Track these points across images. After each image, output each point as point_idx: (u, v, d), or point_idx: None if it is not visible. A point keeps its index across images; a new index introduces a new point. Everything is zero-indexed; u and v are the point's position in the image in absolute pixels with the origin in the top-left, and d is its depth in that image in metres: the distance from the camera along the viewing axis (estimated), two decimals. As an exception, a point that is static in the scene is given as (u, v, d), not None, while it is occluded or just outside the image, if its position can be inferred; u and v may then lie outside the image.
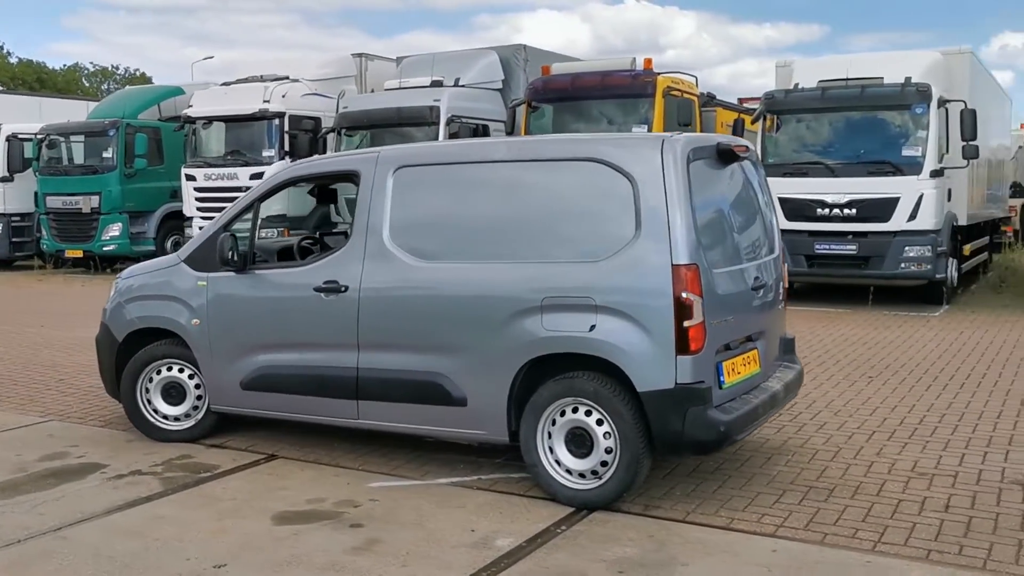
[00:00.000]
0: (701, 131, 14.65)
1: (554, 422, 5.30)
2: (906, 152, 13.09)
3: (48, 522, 5.13)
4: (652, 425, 5.02)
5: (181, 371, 6.67)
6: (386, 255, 5.74)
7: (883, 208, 13.08)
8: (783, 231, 12.55)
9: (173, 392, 6.70)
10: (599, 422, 5.17)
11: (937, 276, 13.19)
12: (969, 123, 12.98)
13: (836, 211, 13.32)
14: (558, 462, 5.31)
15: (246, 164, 18.81)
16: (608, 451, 5.15)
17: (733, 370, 5.31)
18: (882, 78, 13.53)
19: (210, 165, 19.29)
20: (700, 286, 4.99)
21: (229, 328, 6.31)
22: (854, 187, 13.19)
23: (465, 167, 5.73)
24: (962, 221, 14.55)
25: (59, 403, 7.96)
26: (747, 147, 5.85)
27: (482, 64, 18.12)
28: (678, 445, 5.09)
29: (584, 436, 5.22)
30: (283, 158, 18.45)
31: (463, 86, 17.52)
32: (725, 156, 5.57)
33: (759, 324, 5.74)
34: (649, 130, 14.55)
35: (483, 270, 5.46)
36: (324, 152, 18.19)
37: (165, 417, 6.73)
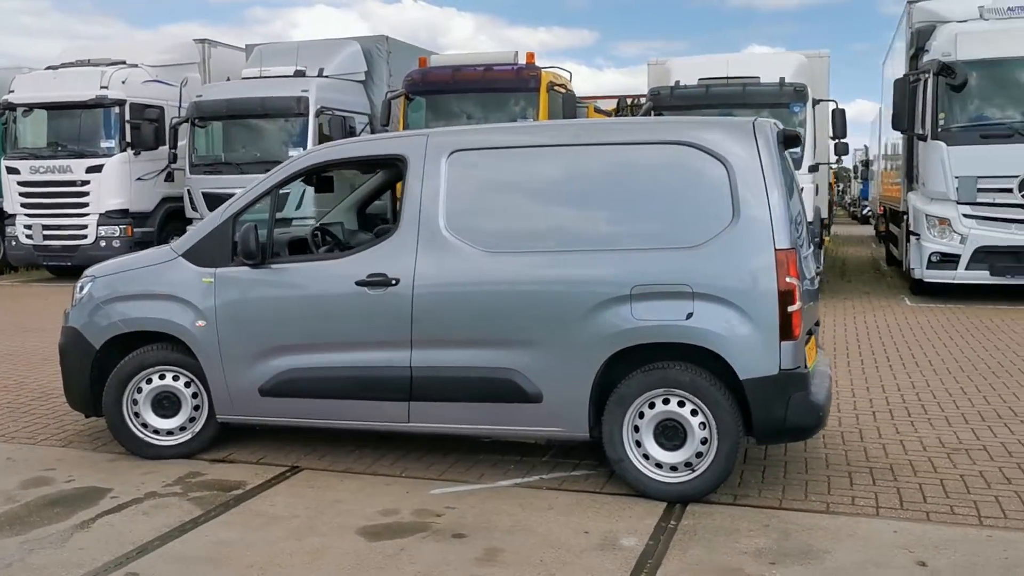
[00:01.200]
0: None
1: (642, 415, 5.12)
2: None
3: (98, 557, 4.44)
4: (754, 413, 4.94)
5: (176, 379, 5.96)
6: (444, 246, 5.35)
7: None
8: None
9: (165, 403, 5.98)
10: (693, 412, 5.03)
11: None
12: (840, 122, 13.78)
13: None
14: (646, 456, 5.13)
15: (80, 156, 17.33)
16: (703, 442, 5.03)
17: (809, 355, 5.31)
18: (758, 77, 14.10)
19: (36, 157, 17.58)
20: (799, 271, 4.96)
21: (245, 329, 5.68)
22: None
23: (531, 151, 5.42)
24: (824, 214, 15.42)
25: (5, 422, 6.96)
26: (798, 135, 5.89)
27: (344, 54, 17.53)
28: (780, 432, 5.04)
29: (677, 428, 5.08)
30: (124, 150, 17.11)
31: (327, 76, 16.85)
32: (790, 142, 5.57)
33: (817, 311, 5.79)
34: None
35: (561, 260, 5.19)
36: (173, 144, 17.01)
37: (156, 432, 5.99)
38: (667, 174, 5.15)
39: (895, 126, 14.02)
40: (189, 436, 5.99)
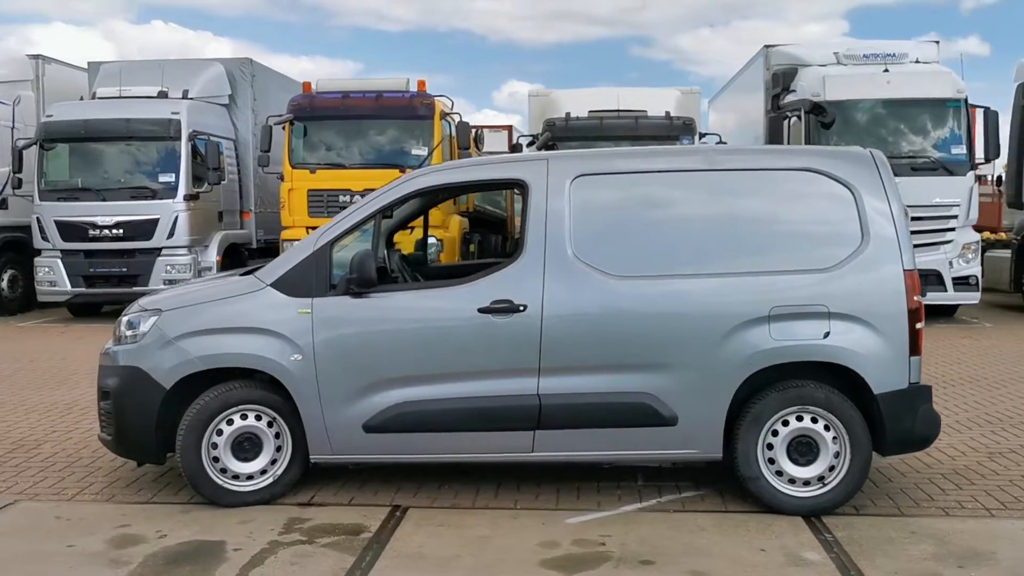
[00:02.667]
0: (475, 155, 14.85)
1: (775, 432, 5.28)
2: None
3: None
4: (887, 426, 5.22)
5: (258, 419, 5.52)
6: (572, 271, 5.30)
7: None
8: None
9: (246, 445, 5.52)
10: (826, 428, 5.26)
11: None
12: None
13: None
14: (779, 472, 5.29)
15: None
16: (836, 456, 5.25)
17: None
18: (646, 111, 14.77)
19: None
20: (920, 290, 5.31)
21: (349, 362, 5.36)
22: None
23: (659, 176, 5.49)
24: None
25: (10, 476, 6.14)
26: None
27: (208, 76, 16.72)
28: (908, 443, 5.36)
29: (810, 444, 5.27)
30: (-48, 173, 15.44)
31: (191, 99, 16.00)
32: None
33: None
34: (429, 153, 14.44)
35: (697, 284, 5.28)
36: (19, 167, 15.52)
37: (235, 476, 5.51)
38: (797, 199, 5.37)
39: (771, 159, 15.03)
40: (271, 480, 5.55)
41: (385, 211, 5.58)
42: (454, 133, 14.89)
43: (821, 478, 5.28)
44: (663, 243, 5.38)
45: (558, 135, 14.42)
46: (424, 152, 14.54)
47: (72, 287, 14.91)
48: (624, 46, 68.00)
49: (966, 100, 14.21)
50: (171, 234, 14.85)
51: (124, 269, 14.90)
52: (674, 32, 64.86)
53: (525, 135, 15.51)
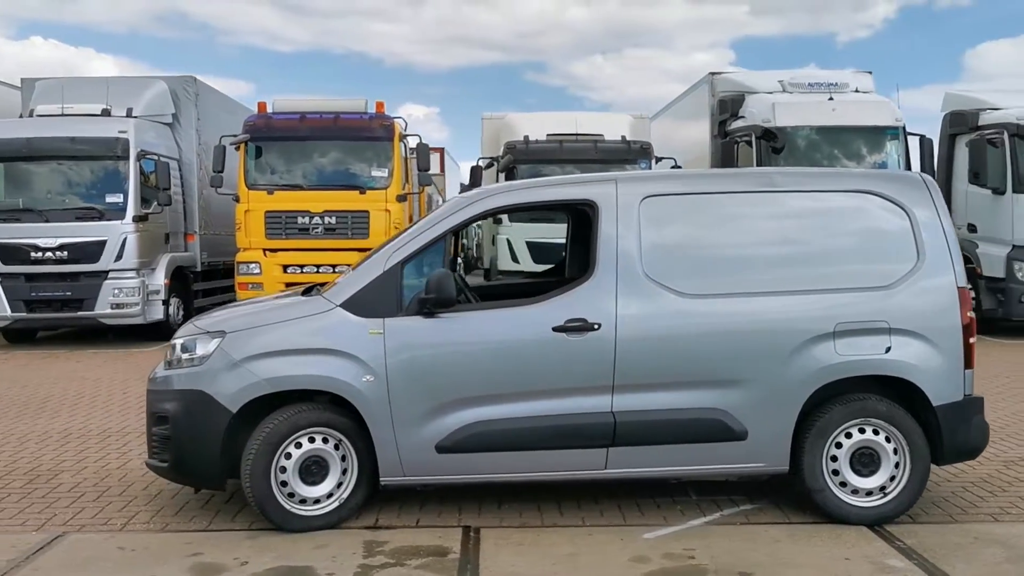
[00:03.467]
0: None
1: (839, 445, 5.47)
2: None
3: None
4: (945, 436, 5.46)
5: (325, 441, 5.43)
6: (644, 290, 5.40)
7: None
8: (527, 274, 13.47)
9: (313, 468, 5.42)
10: (887, 439, 5.47)
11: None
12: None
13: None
14: (843, 484, 5.47)
15: None
16: (896, 466, 5.47)
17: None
18: (603, 135, 15.07)
19: None
20: (971, 306, 5.59)
21: (423, 382, 5.33)
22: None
23: (722, 197, 5.64)
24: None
25: (42, 509, 5.85)
26: None
27: (152, 94, 16.30)
28: (962, 452, 5.61)
29: (872, 455, 5.47)
30: None
31: (135, 117, 15.58)
32: None
33: None
34: (390, 175, 14.44)
35: (765, 302, 5.44)
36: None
37: (302, 501, 5.41)
38: (856, 220, 5.59)
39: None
40: (337, 504, 5.46)
41: (455, 231, 5.57)
42: (408, 154, 14.90)
43: (882, 488, 5.48)
44: (730, 262, 5.52)
45: (520, 157, 14.60)
46: (384, 173, 14.51)
47: (12, 312, 14.25)
48: (519, 71, 69.00)
49: (904, 128, 14.93)
50: (119, 256, 14.35)
51: (68, 293, 14.31)
52: (568, 59, 66.09)
53: (485, 157, 15.60)
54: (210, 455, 5.36)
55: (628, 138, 15.12)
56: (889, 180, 5.74)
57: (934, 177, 14.71)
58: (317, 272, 14.30)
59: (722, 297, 5.44)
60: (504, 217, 14.67)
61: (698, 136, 17.34)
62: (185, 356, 5.51)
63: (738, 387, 5.38)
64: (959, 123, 16.31)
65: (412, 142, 15.10)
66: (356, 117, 14.65)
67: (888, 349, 5.42)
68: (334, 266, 14.32)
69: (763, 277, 5.49)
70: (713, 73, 16.95)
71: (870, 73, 16.56)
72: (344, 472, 5.48)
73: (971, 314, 5.50)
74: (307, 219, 14.42)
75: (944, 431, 5.46)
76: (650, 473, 5.57)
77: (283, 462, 5.34)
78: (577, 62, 64.75)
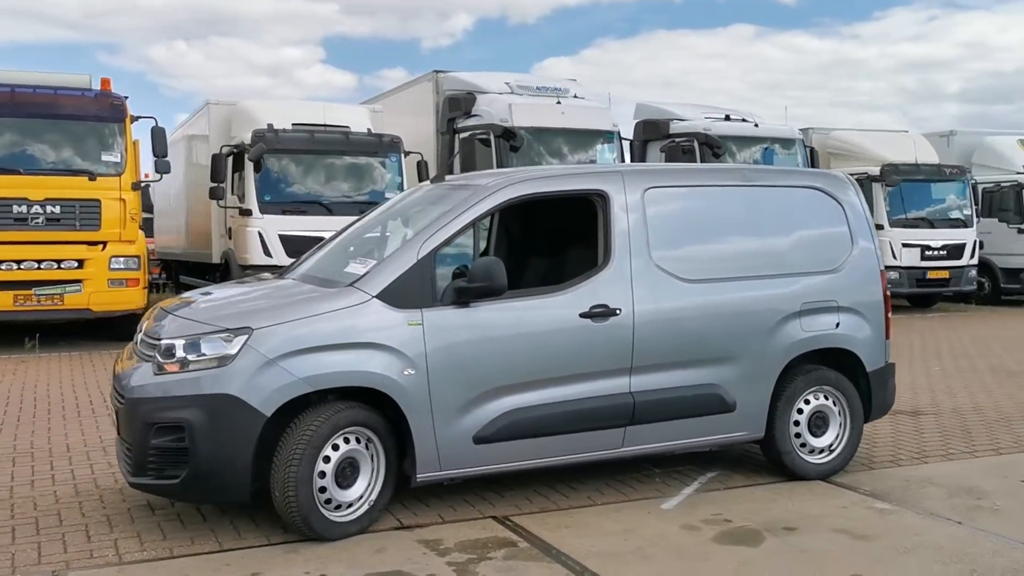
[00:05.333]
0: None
1: (800, 411, 6.22)
2: (389, 195, 14.69)
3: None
4: (874, 398, 6.42)
5: (358, 441, 5.15)
6: (654, 276, 5.74)
7: (375, 244, 14.47)
8: (282, 267, 13.47)
9: (347, 472, 5.12)
10: (834, 403, 6.32)
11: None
12: (425, 172, 15.31)
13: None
14: (803, 445, 6.24)
15: None
16: (840, 426, 6.34)
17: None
18: (349, 127, 14.91)
19: None
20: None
21: (462, 373, 5.24)
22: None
23: (708, 190, 6.11)
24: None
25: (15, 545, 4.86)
26: None
27: None
28: (881, 410, 6.58)
29: (824, 418, 6.29)
30: None
31: None
32: None
33: None
34: (123, 160, 13.24)
35: (748, 285, 6.02)
36: None
37: (337, 507, 5.09)
38: (808, 211, 6.35)
39: (463, 178, 15.93)
40: (367, 507, 5.18)
41: (482, 219, 5.50)
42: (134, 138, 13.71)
43: (830, 447, 6.30)
44: (717, 249, 6.03)
45: (273, 147, 13.98)
46: (116, 158, 13.22)
47: None
48: (91, 51, 64.39)
49: (619, 132, 16.46)
50: None
51: None
52: (146, 42, 62.57)
53: (228, 145, 14.66)
54: (241, 465, 4.84)
55: (373, 131, 15.06)
56: (827, 177, 6.59)
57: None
58: (39, 268, 12.71)
59: (715, 282, 5.93)
60: (254, 207, 13.97)
61: (421, 131, 17.54)
62: (192, 357, 4.90)
63: (729, 363, 5.91)
64: (652, 131, 18.27)
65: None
66: (79, 94, 13.15)
67: (838, 324, 6.25)
68: (59, 261, 12.82)
69: (745, 263, 6.07)
70: (437, 71, 17.35)
71: (574, 80, 17.93)
72: (371, 472, 5.20)
73: (887, 291, 6.50)
74: (24, 208, 12.71)
75: (874, 393, 6.41)
76: (658, 448, 5.93)
77: (322, 466, 4.97)
78: (155, 46, 61.00)
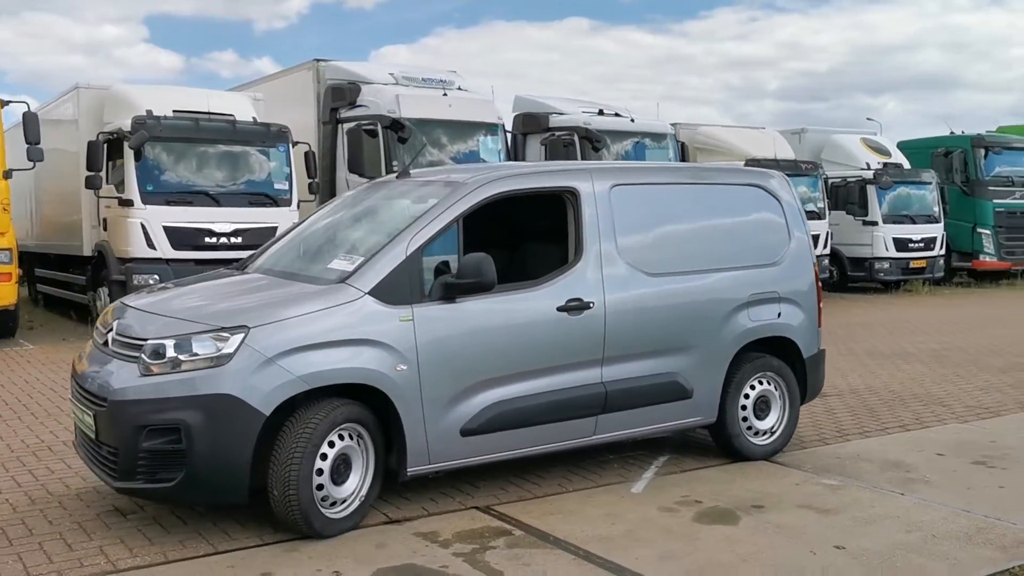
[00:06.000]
0: None
1: (747, 396, 6.61)
2: (278, 185, 14.47)
3: None
4: (809, 383, 6.89)
5: (351, 437, 5.16)
6: (622, 270, 5.97)
7: (266, 236, 14.16)
8: (168, 260, 13.26)
9: (340, 468, 5.13)
10: (775, 388, 6.75)
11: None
12: (313, 164, 15.10)
13: (224, 240, 13.84)
14: (749, 428, 6.64)
15: None
16: (781, 409, 6.77)
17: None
18: (233, 115, 14.53)
19: None
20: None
21: (450, 367, 5.32)
22: (239, 216, 13.95)
23: (665, 188, 6.37)
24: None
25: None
26: None
27: None
28: (813, 394, 7.05)
29: (767, 402, 6.70)
30: None
31: None
32: None
33: None
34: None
35: (702, 278, 6.34)
36: None
37: (332, 504, 5.10)
38: (750, 207, 6.73)
39: (352, 169, 15.76)
40: (358, 503, 5.20)
41: (464, 216, 5.56)
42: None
43: (772, 429, 6.72)
44: (673, 244, 6.32)
45: (156, 134, 13.45)
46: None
47: None
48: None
49: (503, 124, 16.70)
50: None
51: None
52: None
53: (105, 132, 13.95)
54: (240, 465, 4.78)
55: (257, 119, 14.71)
56: (767, 176, 6.99)
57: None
58: None
59: (675, 275, 6.22)
60: (136, 198, 13.38)
61: (301, 120, 17.21)
62: (185, 357, 4.80)
63: (687, 352, 6.22)
64: (531, 124, 18.56)
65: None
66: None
67: (779, 314, 6.66)
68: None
69: (699, 257, 6.39)
70: (318, 60, 17.08)
71: (454, 71, 18.02)
72: (362, 468, 5.22)
73: (819, 281, 6.97)
74: None
75: (809, 378, 6.87)
76: (626, 435, 6.18)
77: (319, 464, 4.96)
78: (-41, 21, 56.25)
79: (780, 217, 6.83)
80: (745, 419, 6.59)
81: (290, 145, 14.63)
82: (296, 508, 4.86)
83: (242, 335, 4.82)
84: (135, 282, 13.23)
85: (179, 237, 13.55)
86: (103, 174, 13.91)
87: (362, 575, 4.54)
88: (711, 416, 6.43)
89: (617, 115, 18.75)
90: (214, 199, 13.84)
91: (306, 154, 15.05)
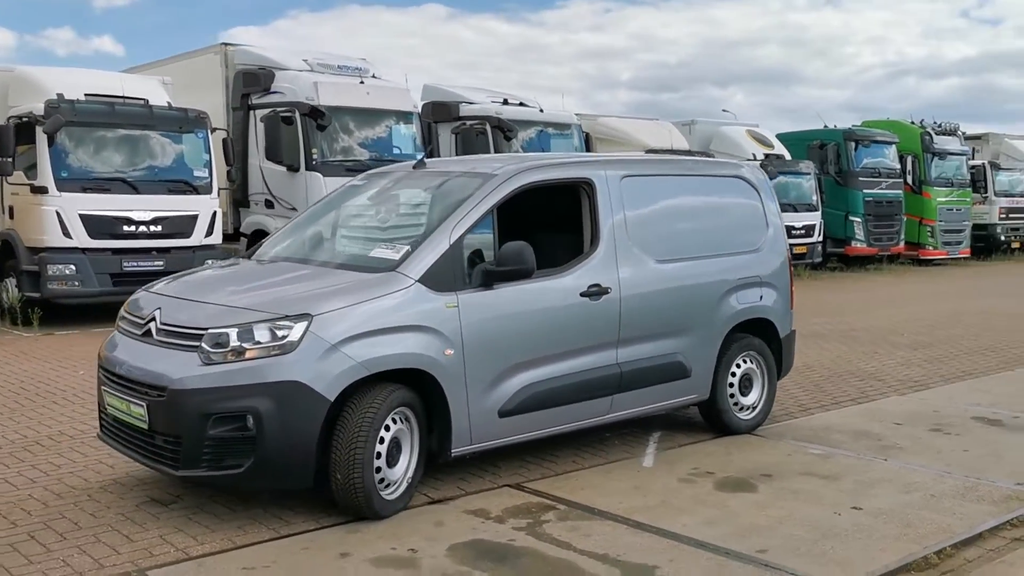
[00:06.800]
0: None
1: (733, 374, 7.09)
2: (197, 173, 14.17)
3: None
4: (783, 360, 7.42)
5: (402, 420, 5.33)
6: (633, 257, 6.31)
7: (186, 224, 13.92)
8: (85, 250, 13.01)
9: (393, 451, 5.29)
10: (757, 366, 7.25)
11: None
12: (231, 149, 14.85)
13: (143, 228, 13.51)
14: (736, 404, 7.12)
15: None
16: (761, 386, 7.28)
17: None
18: (146, 99, 14.16)
19: None
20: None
21: (491, 351, 5.54)
22: (158, 204, 13.63)
23: (665, 178, 6.74)
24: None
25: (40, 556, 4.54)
26: None
27: None
28: (786, 372, 7.58)
29: (750, 380, 7.18)
30: None
31: None
32: None
33: None
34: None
35: (700, 263, 6.75)
36: None
37: (387, 485, 5.26)
38: (735, 197, 7.18)
39: (270, 157, 15.55)
40: (406, 485, 5.35)
41: (499, 205, 5.77)
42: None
43: (754, 405, 7.21)
44: (675, 232, 6.71)
45: (71, 119, 12.96)
46: None
47: None
48: None
49: (419, 113, 16.83)
50: None
51: None
52: None
53: (14, 116, 13.31)
54: (307, 450, 4.89)
55: (172, 104, 14.35)
56: (748, 168, 7.46)
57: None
58: None
59: (677, 261, 6.61)
60: (50, 185, 12.86)
61: (208, 105, 16.77)
62: (249, 345, 4.87)
63: (687, 334, 6.63)
64: (441, 113, 18.71)
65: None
66: None
67: (761, 297, 7.15)
68: None
69: (695, 244, 6.80)
70: (226, 44, 16.77)
71: (363, 59, 17.99)
72: (410, 451, 5.40)
73: (792, 267, 7.50)
74: None
75: (784, 356, 7.40)
76: (636, 413, 6.53)
77: (378, 447, 5.11)
78: None
79: (759, 206, 7.31)
80: (732, 396, 7.04)
81: (208, 131, 14.35)
82: (361, 490, 4.99)
83: (306, 323, 4.92)
84: (50, 272, 12.83)
85: (96, 225, 13.15)
86: (11, 160, 13.30)
87: (437, 551, 4.71)
88: (705, 393, 6.86)
89: (522, 104, 19.11)
90: (132, 186, 13.48)
91: (224, 141, 14.83)
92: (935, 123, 28.09)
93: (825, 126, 25.97)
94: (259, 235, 15.98)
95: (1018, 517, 5.29)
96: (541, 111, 18.70)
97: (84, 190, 13.06)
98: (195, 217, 13.98)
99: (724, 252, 6.96)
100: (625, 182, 6.42)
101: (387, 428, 5.16)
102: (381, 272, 5.36)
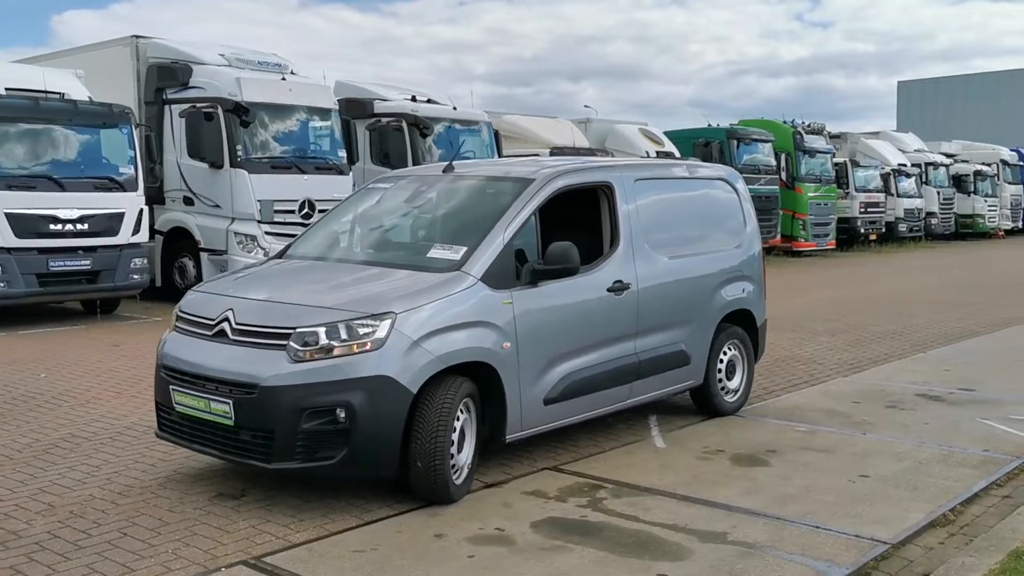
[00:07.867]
0: None
1: (721, 360, 7.74)
2: (123, 169, 13.91)
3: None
4: (758, 347, 8.13)
5: (466, 410, 5.71)
6: (648, 255, 6.84)
7: (113, 222, 13.68)
8: (11, 250, 12.90)
9: (459, 440, 5.66)
10: (739, 353, 7.93)
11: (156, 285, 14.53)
12: (153, 145, 14.65)
13: (69, 227, 13.22)
14: (723, 388, 7.78)
15: None
16: (742, 371, 7.97)
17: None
18: (64, 93, 13.82)
19: None
20: (762, 256, 8.33)
21: (540, 344, 5.96)
22: (84, 202, 13.34)
23: (667, 182, 7.30)
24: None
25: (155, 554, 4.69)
26: None
27: None
28: (759, 358, 8.29)
29: (734, 365, 7.85)
30: None
31: None
32: None
33: None
34: None
35: (698, 259, 7.37)
36: None
37: (456, 472, 5.62)
38: (719, 197, 7.82)
39: (192, 154, 15.34)
40: (467, 471, 5.72)
41: (540, 208, 6.19)
42: None
43: (737, 389, 7.89)
44: (679, 230, 7.29)
45: (-1, 115, 12.56)
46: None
47: None
48: None
49: (338, 109, 16.94)
50: None
51: None
52: None
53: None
54: (393, 440, 5.21)
55: (92, 99, 14.02)
56: (728, 170, 8.11)
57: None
58: None
59: (681, 258, 7.19)
60: (-29, 183, 12.42)
61: (118, 99, 16.41)
62: (336, 343, 5.15)
63: (687, 324, 7.22)
64: (356, 109, 18.76)
65: None
66: None
67: (744, 290, 7.82)
68: None
69: (693, 241, 7.41)
70: (137, 36, 16.42)
71: (276, 54, 17.90)
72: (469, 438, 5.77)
73: (763, 261, 8.22)
74: None
75: (759, 343, 8.10)
76: (647, 398, 7.07)
77: (452, 436, 5.47)
78: None
79: (738, 206, 7.98)
80: (720, 380, 7.68)
81: (133, 127, 14.12)
82: (440, 476, 5.33)
83: (390, 320, 5.22)
84: (-26, 273, 12.41)
85: (22, 224, 12.79)
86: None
87: (523, 529, 5.12)
88: (699, 379, 7.47)
89: (430, 101, 19.39)
90: (58, 184, 13.16)
91: (147, 137, 14.62)
92: (804, 123, 29.90)
93: (709, 124, 27.26)
94: (177, 232, 15.83)
95: (999, 479, 6.08)
96: (454, 108, 19.04)
97: (9, 188, 12.66)
98: (122, 215, 13.73)
99: (715, 248, 7.60)
100: (638, 184, 6.95)
101: (456, 418, 5.51)
102: (446, 272, 5.70)
